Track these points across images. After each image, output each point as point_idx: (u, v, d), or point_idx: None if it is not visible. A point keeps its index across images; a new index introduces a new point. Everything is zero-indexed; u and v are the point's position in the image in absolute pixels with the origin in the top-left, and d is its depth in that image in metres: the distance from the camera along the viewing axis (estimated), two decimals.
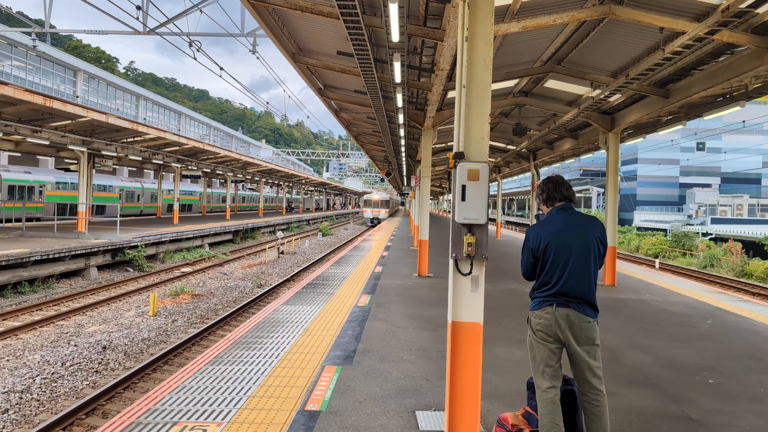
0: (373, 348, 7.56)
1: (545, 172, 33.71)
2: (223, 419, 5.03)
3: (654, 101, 12.58)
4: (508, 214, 75.59)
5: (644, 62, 10.08)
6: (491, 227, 40.77)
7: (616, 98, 13.13)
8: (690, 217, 69.30)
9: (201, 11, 17.91)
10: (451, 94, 14.04)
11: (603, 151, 15.34)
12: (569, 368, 4.25)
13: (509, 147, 24.73)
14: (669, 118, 14.60)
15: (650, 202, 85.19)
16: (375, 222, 61.23)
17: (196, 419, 5.03)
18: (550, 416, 4.09)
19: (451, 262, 4.44)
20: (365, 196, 68.76)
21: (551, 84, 14.21)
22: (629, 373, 6.72)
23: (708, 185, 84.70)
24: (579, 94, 14.42)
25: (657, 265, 27.67)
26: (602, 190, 74.36)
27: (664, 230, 56.89)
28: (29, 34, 22.54)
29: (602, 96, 12.35)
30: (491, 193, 55.91)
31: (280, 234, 33.63)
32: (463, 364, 4.41)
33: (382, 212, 62.49)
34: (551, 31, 10.59)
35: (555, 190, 4.40)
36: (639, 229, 61.27)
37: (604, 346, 4.28)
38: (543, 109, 16.28)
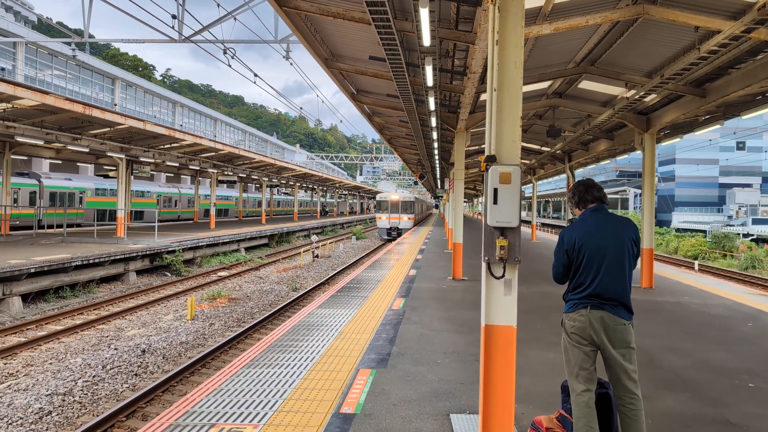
0: (407, 351, 7.59)
1: (580, 173, 33.33)
2: (259, 421, 5.11)
3: (690, 101, 12.38)
4: (544, 216, 74.83)
5: (679, 62, 9.94)
6: (526, 230, 40.47)
7: (651, 98, 12.95)
8: (730, 217, 67.84)
9: (235, 18, 18.17)
10: (483, 97, 13.99)
11: (639, 151, 15.15)
12: (605, 371, 4.22)
13: (544, 149, 24.54)
14: (706, 117, 14.33)
15: (689, 203, 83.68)
16: (393, 234, 44.44)
17: (233, 421, 5.11)
18: (585, 420, 4.07)
19: (483, 265, 4.46)
20: (379, 196, 47.94)
21: (585, 85, 14.07)
22: (666, 377, 6.64)
23: (749, 185, 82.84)
24: (614, 94, 14.26)
25: (696, 267, 27.15)
26: (639, 191, 73.21)
27: (704, 231, 55.76)
28: (69, 44, 23.09)
29: (637, 96, 12.20)
30: (526, 195, 55.35)
31: (314, 238, 33.87)
32: (497, 368, 4.42)
33: (404, 219, 45.07)
34: (584, 32, 10.50)
35: (586, 192, 4.39)
36: (678, 230, 60.20)
37: (640, 349, 4.25)
38: (577, 110, 16.13)
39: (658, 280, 15.32)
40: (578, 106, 15.73)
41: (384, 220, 45.09)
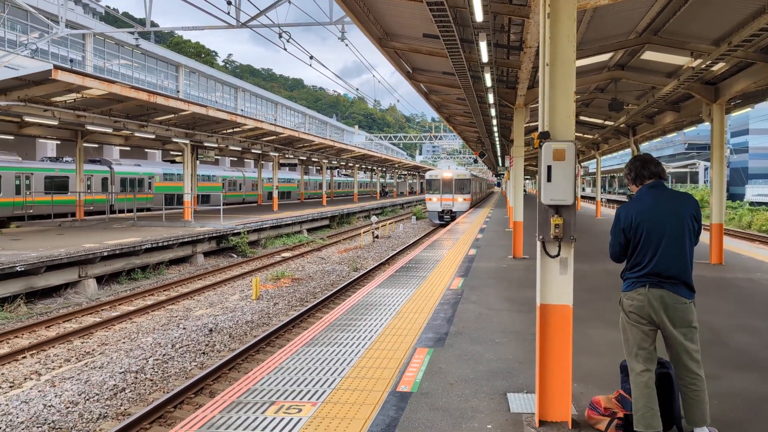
0: (465, 330, 7.58)
1: (645, 147, 32.29)
2: (317, 399, 5.21)
3: (762, 68, 11.80)
4: (609, 192, 72.99)
5: (748, 27, 9.48)
6: (590, 206, 39.62)
7: (719, 67, 12.40)
8: None
9: (289, 2, 18.28)
10: None
11: (707, 123, 14.58)
12: (665, 350, 4.12)
13: (607, 123, 23.88)
14: None
15: (764, 175, 80.00)
16: (446, 218, 37.51)
17: (293, 399, 5.23)
18: (645, 400, 3.99)
19: (538, 244, 4.41)
20: (428, 174, 41.22)
21: (648, 56, 13.58)
22: (735, 356, 6.42)
23: None
24: (679, 64, 13.72)
25: None
26: (710, 164, 70.41)
27: None
28: (133, 33, 23.74)
29: (704, 66, 11.72)
30: (590, 171, 53.91)
31: (374, 219, 34.04)
32: (553, 347, 4.39)
33: (459, 200, 38.15)
34: (645, 1, 10.13)
35: (643, 168, 4.23)
36: (752, 204, 57.82)
37: (707, 327, 4.13)
38: (640, 82, 15.61)
39: (728, 256, 14.76)
40: (641, 78, 15.21)
41: (435, 202, 38.42)
